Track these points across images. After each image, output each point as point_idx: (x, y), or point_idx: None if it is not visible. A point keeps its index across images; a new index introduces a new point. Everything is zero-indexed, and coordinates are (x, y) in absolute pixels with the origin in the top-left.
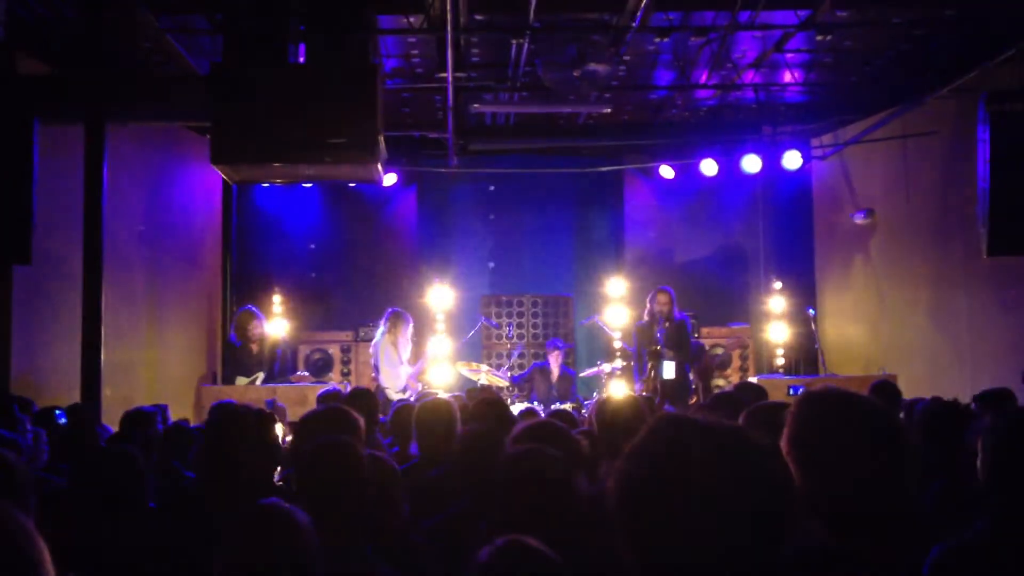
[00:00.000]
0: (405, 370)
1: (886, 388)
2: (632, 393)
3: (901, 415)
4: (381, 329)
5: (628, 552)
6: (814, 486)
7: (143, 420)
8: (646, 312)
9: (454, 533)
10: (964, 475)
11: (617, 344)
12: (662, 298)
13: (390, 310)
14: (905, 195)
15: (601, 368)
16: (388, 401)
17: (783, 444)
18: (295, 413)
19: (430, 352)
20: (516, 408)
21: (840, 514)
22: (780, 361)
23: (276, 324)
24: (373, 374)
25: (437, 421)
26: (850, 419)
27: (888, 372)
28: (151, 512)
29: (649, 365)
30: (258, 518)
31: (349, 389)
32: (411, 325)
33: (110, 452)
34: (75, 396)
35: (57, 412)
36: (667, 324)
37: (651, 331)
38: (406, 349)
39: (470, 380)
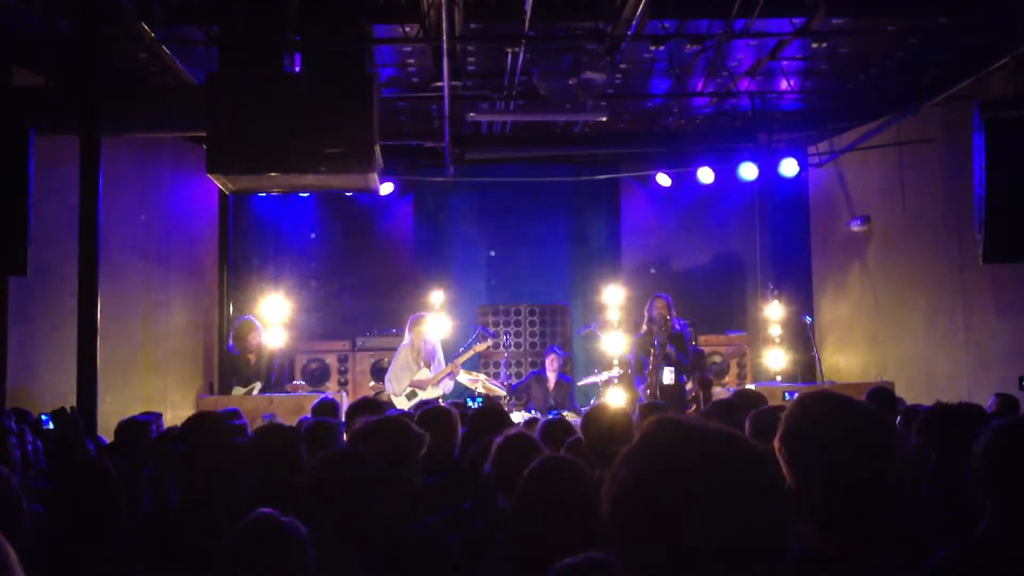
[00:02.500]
0: (422, 375)
1: (882, 394)
2: (628, 402)
3: (899, 421)
4: (406, 336)
5: (621, 558)
6: (804, 486)
7: (138, 430)
8: (644, 321)
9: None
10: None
11: (615, 353)
12: (659, 304)
13: (412, 316)
14: (901, 202)
15: (599, 376)
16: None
17: (776, 443)
18: (291, 423)
19: (461, 359)
20: (514, 417)
21: (830, 515)
22: (778, 369)
23: (273, 334)
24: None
25: (437, 429)
26: (842, 421)
27: (885, 379)
28: (126, 531)
29: (651, 364)
30: (255, 528)
31: (358, 399)
32: (427, 326)
33: (87, 466)
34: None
35: (43, 418)
36: (664, 331)
37: (649, 339)
38: (431, 354)
39: (468, 389)
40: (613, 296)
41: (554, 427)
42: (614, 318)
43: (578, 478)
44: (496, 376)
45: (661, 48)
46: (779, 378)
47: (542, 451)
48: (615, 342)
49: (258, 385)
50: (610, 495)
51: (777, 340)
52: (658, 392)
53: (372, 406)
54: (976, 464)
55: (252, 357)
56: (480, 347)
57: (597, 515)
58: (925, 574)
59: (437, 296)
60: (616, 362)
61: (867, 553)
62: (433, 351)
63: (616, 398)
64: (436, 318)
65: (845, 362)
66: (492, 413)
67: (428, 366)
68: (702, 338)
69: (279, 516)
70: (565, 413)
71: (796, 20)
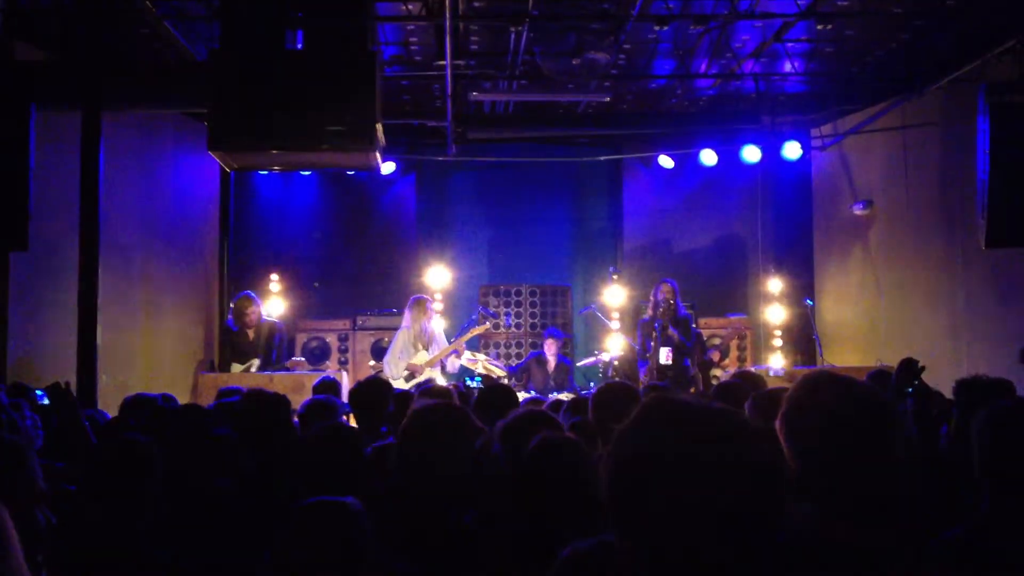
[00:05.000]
0: (420, 359)
1: (883, 378)
2: (632, 381)
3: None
4: (405, 318)
5: (619, 534)
6: (805, 467)
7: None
8: (649, 305)
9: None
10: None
11: (615, 336)
12: (665, 288)
13: (411, 299)
14: (904, 186)
15: (599, 358)
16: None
17: (777, 423)
18: (292, 401)
19: (466, 341)
20: None
21: (830, 496)
22: (778, 352)
23: (274, 311)
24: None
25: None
26: (843, 401)
27: (885, 363)
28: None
29: (651, 352)
30: (316, 514)
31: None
32: (430, 310)
33: (120, 442)
34: (72, 382)
35: (39, 393)
36: (667, 315)
37: (653, 323)
38: (431, 336)
39: (468, 369)
40: (614, 278)
41: (580, 404)
42: (615, 299)
43: (577, 457)
44: (495, 357)
45: (665, 28)
46: (779, 362)
47: (557, 427)
48: (615, 324)
49: (256, 362)
50: (607, 472)
51: (778, 323)
52: (655, 372)
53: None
54: (974, 447)
55: (251, 333)
56: (479, 329)
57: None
58: (924, 558)
59: (438, 276)
60: (620, 345)
61: (868, 534)
62: (433, 333)
63: (616, 344)
64: (434, 300)
65: (845, 345)
66: (499, 391)
67: (426, 349)
68: (703, 320)
69: (344, 501)
70: (564, 395)
71: (801, 1)
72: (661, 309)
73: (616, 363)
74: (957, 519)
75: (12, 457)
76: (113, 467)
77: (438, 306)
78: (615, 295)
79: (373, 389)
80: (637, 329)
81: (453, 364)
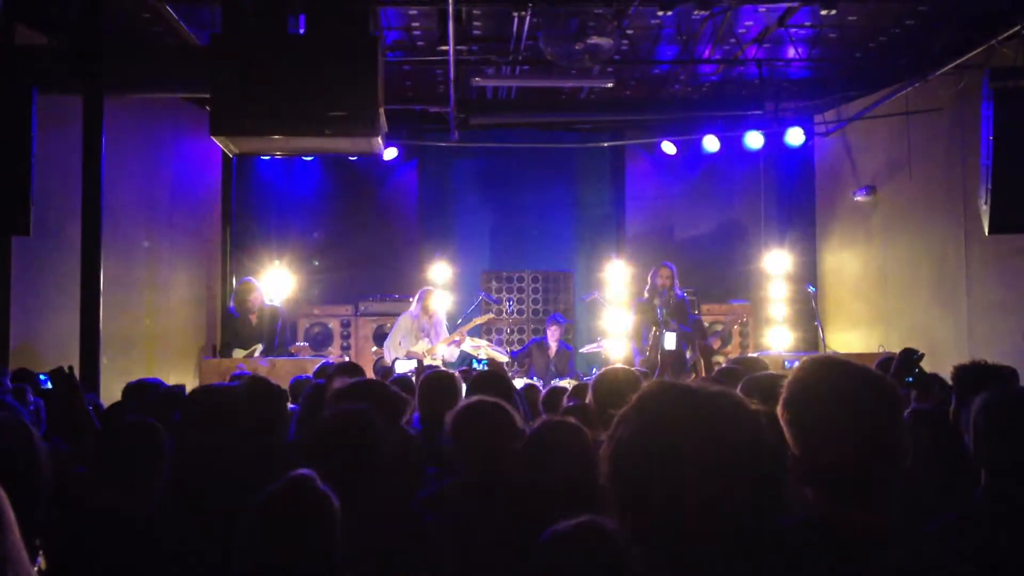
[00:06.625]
0: (420, 348)
1: (891, 365)
2: (623, 361)
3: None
4: (413, 305)
5: (620, 517)
6: (806, 451)
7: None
8: (647, 288)
9: (451, 504)
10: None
11: (616, 322)
12: (664, 273)
13: (422, 290)
14: (907, 172)
15: (601, 344)
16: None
17: (779, 408)
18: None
19: (468, 330)
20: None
21: (831, 480)
22: (780, 338)
23: (276, 297)
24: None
25: (440, 394)
26: (845, 384)
27: (887, 349)
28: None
29: (651, 336)
30: (286, 490)
31: (346, 362)
32: (438, 302)
33: (132, 424)
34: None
35: (42, 377)
36: (668, 297)
37: (651, 306)
38: (434, 328)
39: (471, 355)
40: (616, 264)
41: (581, 390)
42: (617, 286)
43: (578, 441)
44: (498, 343)
45: (669, 14)
46: (782, 348)
47: (511, 423)
48: (618, 310)
49: (259, 347)
50: (608, 455)
51: (780, 310)
52: (658, 358)
53: (351, 370)
54: (970, 432)
55: (253, 318)
56: (482, 319)
57: (597, 479)
58: (919, 544)
59: (439, 262)
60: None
61: (868, 519)
62: (438, 325)
63: (616, 349)
64: (442, 291)
65: (848, 332)
66: (493, 377)
67: (428, 338)
68: (705, 307)
69: (315, 478)
70: (565, 381)
71: None
72: (659, 293)
73: (618, 334)
74: (947, 504)
75: (15, 439)
76: (126, 449)
77: (441, 297)
78: (617, 281)
79: (346, 372)
80: (632, 311)
81: (452, 353)
